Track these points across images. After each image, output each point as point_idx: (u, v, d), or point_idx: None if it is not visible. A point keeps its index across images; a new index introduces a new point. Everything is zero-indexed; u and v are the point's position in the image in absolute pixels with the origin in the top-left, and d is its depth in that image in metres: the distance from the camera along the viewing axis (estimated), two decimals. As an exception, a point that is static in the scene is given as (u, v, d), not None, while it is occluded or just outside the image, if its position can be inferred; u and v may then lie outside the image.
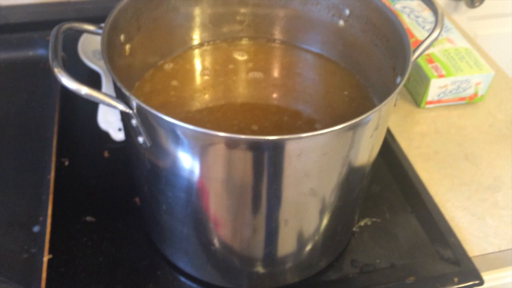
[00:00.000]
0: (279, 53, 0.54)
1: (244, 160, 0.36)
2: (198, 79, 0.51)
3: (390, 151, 0.63)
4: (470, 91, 0.69)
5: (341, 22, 0.51)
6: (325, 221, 0.45)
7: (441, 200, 0.59)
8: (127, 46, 0.46)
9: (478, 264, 0.52)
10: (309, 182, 0.38)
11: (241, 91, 0.50)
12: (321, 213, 0.43)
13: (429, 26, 0.73)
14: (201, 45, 0.54)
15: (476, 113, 0.70)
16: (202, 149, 0.36)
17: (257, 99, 0.50)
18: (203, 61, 0.54)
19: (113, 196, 0.57)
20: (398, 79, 0.43)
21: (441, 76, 0.66)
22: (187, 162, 0.37)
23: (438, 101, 0.69)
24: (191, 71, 0.52)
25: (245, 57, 0.54)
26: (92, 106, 0.64)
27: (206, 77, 0.52)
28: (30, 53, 0.72)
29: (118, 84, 0.36)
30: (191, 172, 0.38)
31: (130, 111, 0.37)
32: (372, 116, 0.37)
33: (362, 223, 0.55)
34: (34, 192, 0.55)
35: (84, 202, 0.56)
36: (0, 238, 0.51)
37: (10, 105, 0.65)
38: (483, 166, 0.63)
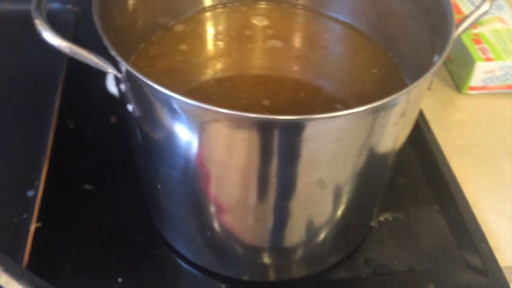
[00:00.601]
0: (303, 21, 0.48)
1: (245, 140, 0.31)
2: (209, 45, 0.46)
3: (422, 140, 0.56)
4: (521, 79, 0.61)
5: (377, -11, 0.44)
6: (337, 215, 0.39)
7: (475, 200, 0.52)
8: (131, 1, 0.41)
9: (509, 276, 0.46)
10: (318, 172, 0.33)
11: (256, 61, 0.45)
12: (332, 206, 0.38)
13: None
14: (216, 6, 0.49)
15: (525, 104, 0.62)
16: (199, 126, 0.31)
17: (272, 70, 0.44)
18: (217, 25, 0.48)
19: (116, 165, 0.53)
20: (436, 58, 0.37)
21: (488, 59, 0.59)
22: (182, 139, 0.32)
23: (483, 88, 0.62)
24: (203, 35, 0.47)
25: (264, 23, 0.48)
26: (103, 73, 0.59)
27: (219, 43, 0.46)
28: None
29: (105, 41, 0.31)
30: (187, 150, 0.33)
31: (119, 75, 0.32)
32: (398, 99, 0.31)
33: (381, 218, 0.50)
34: (31, 154, 0.51)
35: (84, 169, 0.53)
36: (-8, 199, 0.48)
37: (14, 60, 0.61)
38: (527, 166, 0.55)
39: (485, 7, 0.36)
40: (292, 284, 0.45)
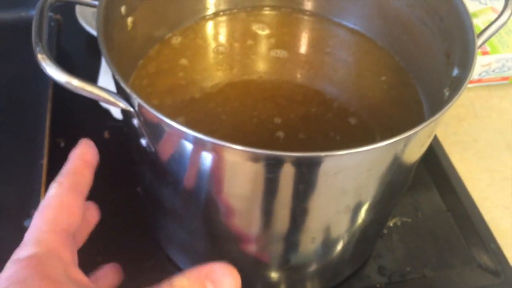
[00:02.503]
0: (307, 27, 0.46)
1: (266, 176, 0.29)
2: (211, 58, 0.44)
3: (423, 138, 0.56)
4: (515, 70, 0.61)
5: (383, -6, 0.43)
6: (355, 231, 0.39)
7: (480, 197, 0.52)
8: (129, 20, 0.39)
9: (520, 273, 0.47)
10: (346, 200, 0.32)
11: (262, 73, 0.43)
12: (352, 225, 0.37)
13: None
14: (215, 15, 0.47)
15: (519, 94, 0.63)
16: (218, 161, 0.29)
17: (280, 83, 0.43)
18: (217, 35, 0.46)
19: (113, 184, 0.50)
20: (455, 71, 0.36)
21: (485, 53, 0.59)
22: (199, 174, 0.31)
23: (479, 81, 0.61)
24: (203, 47, 0.45)
25: (266, 31, 0.46)
26: (91, 79, 0.56)
27: (220, 56, 0.44)
28: (22, 13, 0.64)
29: (117, 77, 0.29)
30: (207, 185, 0.31)
31: (132, 109, 0.30)
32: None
33: (391, 223, 0.50)
34: (25, 179, 0.48)
35: (81, 190, 0.50)
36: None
37: (-2, 74, 0.57)
38: (527, 158, 0.56)
39: (505, 16, 0.35)
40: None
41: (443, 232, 0.49)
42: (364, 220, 0.37)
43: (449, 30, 0.37)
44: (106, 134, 0.54)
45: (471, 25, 0.34)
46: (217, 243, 0.37)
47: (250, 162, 0.28)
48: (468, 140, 0.57)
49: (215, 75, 0.43)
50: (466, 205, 0.50)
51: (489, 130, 0.58)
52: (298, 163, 0.27)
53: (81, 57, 0.63)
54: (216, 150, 0.28)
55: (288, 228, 0.34)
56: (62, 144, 0.53)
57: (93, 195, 0.49)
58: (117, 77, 0.29)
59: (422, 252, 0.48)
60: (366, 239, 0.43)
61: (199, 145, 0.28)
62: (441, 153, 0.55)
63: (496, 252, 0.47)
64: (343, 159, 0.28)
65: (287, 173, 0.28)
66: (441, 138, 0.57)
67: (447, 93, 0.36)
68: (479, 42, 0.34)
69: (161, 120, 0.28)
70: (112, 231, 0.47)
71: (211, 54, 0.44)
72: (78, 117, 0.56)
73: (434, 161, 0.54)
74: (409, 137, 0.28)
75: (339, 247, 0.39)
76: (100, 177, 0.51)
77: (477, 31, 0.60)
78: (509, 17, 0.35)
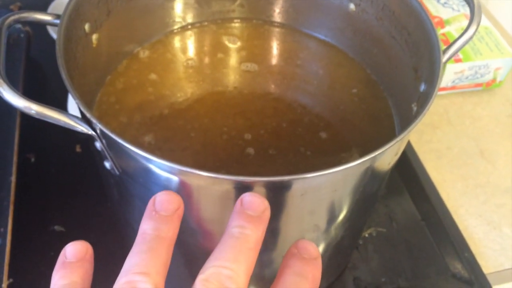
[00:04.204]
0: (278, 39, 0.46)
1: (231, 199, 0.29)
2: (180, 72, 0.44)
3: (398, 147, 0.56)
4: (488, 77, 0.61)
5: (352, 6, 0.43)
6: (330, 249, 0.38)
7: (454, 205, 0.53)
8: (94, 37, 0.38)
9: (493, 281, 0.47)
10: (314, 219, 0.32)
11: (232, 88, 0.43)
12: (326, 243, 0.37)
13: (450, 2, 0.64)
14: (185, 28, 0.46)
15: (493, 100, 0.63)
16: (182, 186, 0.29)
17: (250, 98, 0.42)
18: (187, 49, 0.45)
19: (86, 200, 0.50)
20: (423, 86, 0.36)
21: (457, 60, 0.59)
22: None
23: (452, 88, 0.62)
24: (173, 61, 0.44)
25: (237, 44, 0.46)
26: (61, 91, 0.55)
27: (190, 70, 0.44)
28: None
29: (77, 101, 0.28)
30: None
31: (94, 133, 0.29)
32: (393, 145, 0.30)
33: (366, 234, 0.50)
34: (-6, 198, 0.47)
35: (52, 207, 0.49)
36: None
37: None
38: (501, 165, 0.56)
39: (471, 31, 0.35)
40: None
41: (417, 241, 0.50)
42: (336, 236, 0.37)
43: (417, 45, 0.37)
44: (78, 148, 0.53)
45: (437, 42, 0.34)
46: (189, 263, 0.37)
47: (214, 186, 0.28)
48: (442, 148, 0.58)
49: (185, 90, 0.42)
50: (440, 214, 0.51)
51: (463, 137, 0.59)
52: (262, 187, 0.27)
53: (53, 67, 0.62)
54: (181, 175, 0.28)
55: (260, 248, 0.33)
56: (33, 160, 0.52)
57: (64, 213, 0.48)
58: (76, 101, 0.28)
59: (397, 263, 0.48)
60: (341, 252, 0.43)
61: (164, 170, 0.28)
62: (415, 161, 0.55)
63: (470, 261, 0.48)
64: (307, 181, 0.27)
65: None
66: (415, 146, 0.57)
67: (415, 108, 0.36)
68: (444, 58, 0.33)
69: (124, 146, 0.27)
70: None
71: (181, 69, 0.44)
72: (49, 131, 0.54)
73: (409, 170, 0.54)
74: (374, 158, 0.28)
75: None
76: (72, 192, 0.50)
77: (450, 39, 0.61)
78: (475, 32, 0.35)
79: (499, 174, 0.56)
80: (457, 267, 0.48)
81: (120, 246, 0.45)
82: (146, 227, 0.24)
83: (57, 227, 0.47)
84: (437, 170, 0.55)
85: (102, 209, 0.48)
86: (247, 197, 0.25)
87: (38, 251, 0.46)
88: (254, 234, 0.24)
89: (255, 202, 0.25)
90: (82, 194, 0.50)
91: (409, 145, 0.56)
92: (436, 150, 0.57)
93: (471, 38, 0.35)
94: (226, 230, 0.24)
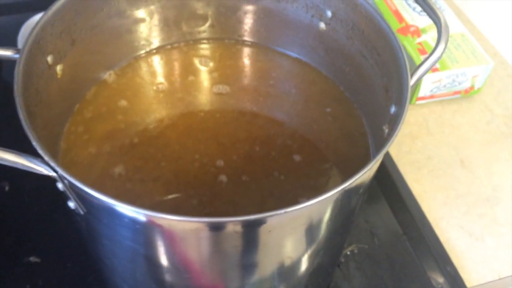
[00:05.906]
0: (251, 59, 0.46)
1: (203, 240, 0.28)
2: (151, 97, 0.43)
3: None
4: (466, 84, 0.61)
5: (322, 25, 0.42)
6: (309, 272, 0.38)
7: (435, 218, 0.52)
8: (59, 67, 0.37)
9: (475, 295, 0.47)
10: (286, 252, 0.31)
11: (204, 112, 0.42)
12: (304, 269, 0.36)
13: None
14: (155, 50, 0.45)
15: (472, 107, 0.63)
16: (147, 227, 0.28)
17: (222, 122, 0.42)
18: (156, 72, 0.45)
19: (61, 229, 0.48)
20: (393, 108, 0.35)
21: (434, 70, 0.59)
22: (129, 240, 0.29)
23: (431, 97, 0.62)
24: (142, 86, 0.43)
25: (208, 66, 0.45)
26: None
27: (161, 95, 0.43)
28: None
29: (35, 144, 0.28)
30: (137, 248, 0.30)
31: (55, 174, 0.29)
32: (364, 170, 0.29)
33: (347, 251, 0.49)
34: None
35: (27, 237, 0.48)
36: None
37: None
38: (481, 173, 0.56)
39: (439, 51, 0.34)
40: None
41: (399, 257, 0.49)
42: (313, 262, 0.36)
43: (386, 65, 0.37)
44: (7, 187, 0.51)
45: (405, 64, 0.33)
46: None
47: (178, 226, 0.27)
48: (422, 158, 0.57)
49: (156, 115, 0.41)
50: (421, 228, 0.50)
51: (443, 146, 0.59)
52: (228, 226, 0.27)
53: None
54: (145, 217, 0.27)
55: (235, 282, 0.33)
56: (7, 188, 0.51)
57: (39, 243, 0.47)
58: (34, 144, 0.27)
59: (379, 280, 0.47)
60: (321, 272, 0.42)
61: (128, 212, 0.27)
62: (395, 174, 0.55)
63: (452, 275, 0.47)
64: (271, 219, 0.27)
65: (221, 235, 0.27)
66: (395, 158, 0.56)
67: (386, 130, 0.36)
68: (412, 81, 0.33)
69: (86, 191, 0.26)
70: (60, 280, 0.45)
71: (151, 93, 0.43)
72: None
73: (389, 183, 0.54)
74: (339, 192, 0.28)
75: (292, 283, 0.38)
76: (47, 221, 0.49)
77: (426, 48, 0.60)
78: (442, 52, 0.34)
79: (480, 183, 0.55)
80: (440, 281, 0.47)
81: (96, 278, 0.44)
82: None
83: (32, 258, 0.46)
84: (418, 181, 0.55)
85: (78, 237, 0.47)
86: None
87: (14, 283, 0.45)
88: None
89: None
90: (59, 223, 0.49)
91: (388, 157, 0.56)
92: (416, 161, 0.57)
93: (439, 58, 0.34)
94: None
